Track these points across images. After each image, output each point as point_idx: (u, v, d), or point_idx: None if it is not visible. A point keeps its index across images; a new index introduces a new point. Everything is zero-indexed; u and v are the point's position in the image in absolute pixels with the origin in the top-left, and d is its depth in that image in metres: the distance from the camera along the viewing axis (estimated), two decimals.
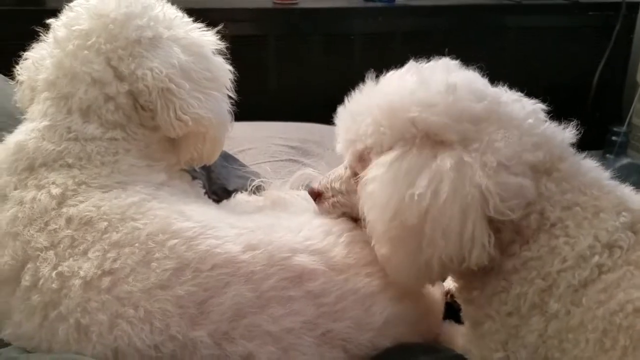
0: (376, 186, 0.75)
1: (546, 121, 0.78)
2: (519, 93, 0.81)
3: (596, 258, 0.70)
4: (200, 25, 0.98)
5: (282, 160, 1.61)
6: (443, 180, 0.70)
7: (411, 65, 0.84)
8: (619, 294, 0.67)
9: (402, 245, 0.74)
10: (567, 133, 0.78)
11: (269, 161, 1.59)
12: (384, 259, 0.78)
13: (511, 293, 0.74)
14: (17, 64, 0.98)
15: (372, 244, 0.79)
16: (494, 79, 0.83)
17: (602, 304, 0.67)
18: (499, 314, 0.75)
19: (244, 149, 1.62)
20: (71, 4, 0.93)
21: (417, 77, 0.79)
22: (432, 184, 0.71)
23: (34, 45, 0.97)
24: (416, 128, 0.74)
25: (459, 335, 0.87)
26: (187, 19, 0.97)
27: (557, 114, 0.81)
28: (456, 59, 0.85)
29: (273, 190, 1.22)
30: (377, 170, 0.76)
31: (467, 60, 0.86)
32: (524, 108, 0.78)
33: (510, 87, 0.84)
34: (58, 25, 0.91)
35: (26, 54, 0.96)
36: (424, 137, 0.74)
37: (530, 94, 0.82)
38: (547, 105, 0.81)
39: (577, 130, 0.80)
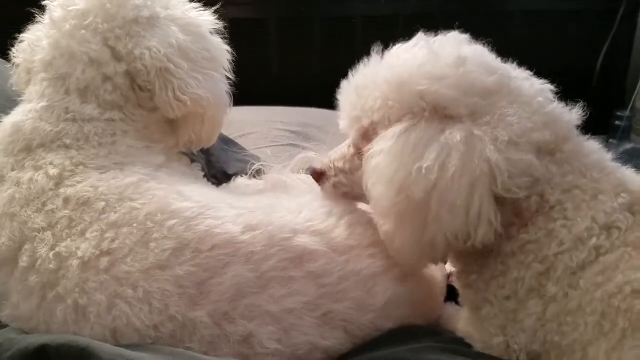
0: (382, 159, 0.74)
1: (554, 101, 0.77)
2: (528, 71, 0.80)
3: (594, 240, 0.69)
4: (197, 5, 0.96)
5: (283, 145, 1.60)
6: (452, 153, 0.69)
7: (419, 39, 0.82)
8: (617, 276, 0.66)
9: (407, 221, 0.72)
10: (573, 114, 0.77)
11: (270, 146, 1.58)
12: (387, 236, 0.76)
13: (509, 277, 0.73)
14: (13, 46, 0.97)
15: (375, 221, 0.78)
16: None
17: (600, 286, 0.67)
18: (497, 299, 0.75)
19: (245, 133, 1.61)
20: None
21: (426, 50, 0.78)
22: (440, 157, 0.69)
23: (30, 27, 0.95)
24: (425, 101, 0.73)
25: (460, 318, 0.86)
26: None
27: (560, 98, 0.80)
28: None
29: (274, 174, 1.21)
30: (383, 143, 0.74)
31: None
32: (533, 86, 0.77)
33: None
34: (54, 5, 0.89)
35: (22, 36, 0.95)
36: (432, 111, 0.73)
37: (535, 76, 0.81)
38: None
39: (581, 114, 0.79)
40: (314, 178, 0.93)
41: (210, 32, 0.94)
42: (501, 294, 0.74)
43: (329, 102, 1.82)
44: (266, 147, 1.58)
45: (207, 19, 0.95)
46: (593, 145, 0.78)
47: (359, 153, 0.84)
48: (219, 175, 1.24)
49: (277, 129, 1.68)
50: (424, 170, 0.69)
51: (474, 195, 0.69)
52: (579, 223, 0.70)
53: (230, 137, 1.42)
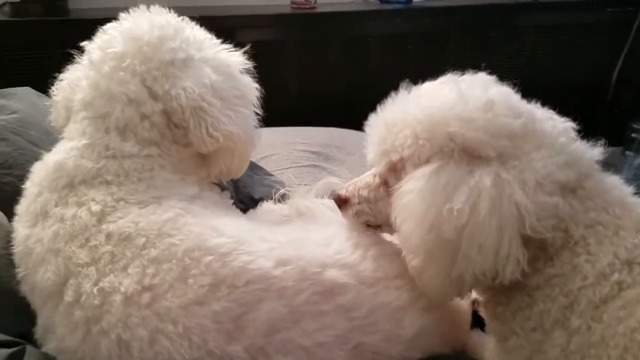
0: (412, 198, 0.76)
1: (576, 140, 0.79)
2: (551, 111, 0.83)
3: (616, 275, 0.71)
4: (228, 46, 1.01)
5: (304, 166, 1.63)
6: (481, 196, 0.72)
7: (448, 78, 0.85)
8: (638, 310, 0.68)
9: (436, 258, 0.75)
10: (594, 151, 0.80)
11: (292, 167, 1.61)
12: (415, 271, 0.79)
13: (535, 309, 0.75)
14: (52, 85, 1.00)
15: (403, 255, 0.80)
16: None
17: (622, 320, 0.69)
18: (524, 330, 0.77)
19: (267, 155, 1.65)
20: (104, 27, 0.95)
21: (455, 92, 0.80)
22: (470, 200, 0.72)
23: (69, 67, 1.00)
24: (454, 142, 0.76)
25: (486, 348, 0.88)
26: (216, 41, 1.00)
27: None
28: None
29: (297, 198, 1.24)
30: (414, 183, 0.77)
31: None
32: (556, 127, 0.79)
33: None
34: (93, 47, 0.94)
35: (61, 75, 0.99)
36: (461, 152, 0.75)
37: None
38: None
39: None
40: (337, 204, 0.96)
41: (240, 71, 0.99)
42: (527, 326, 0.76)
43: (347, 120, 1.84)
44: (288, 168, 1.61)
45: (237, 59, 0.99)
46: (614, 181, 0.80)
47: (384, 184, 0.87)
48: (245, 200, 1.28)
49: (297, 150, 1.71)
50: (455, 212, 0.72)
51: (503, 237, 0.71)
52: (601, 258, 0.72)
53: (253, 159, 1.45)
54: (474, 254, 0.72)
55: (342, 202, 0.95)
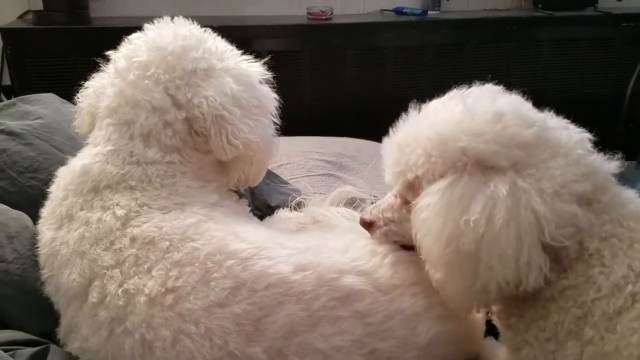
0: (430, 213, 0.77)
1: (593, 152, 0.80)
2: (566, 120, 0.83)
3: (630, 287, 0.72)
4: (248, 56, 1.03)
5: (319, 175, 1.64)
6: (497, 205, 0.72)
7: (454, 94, 0.86)
8: None
9: (457, 270, 0.76)
10: (612, 164, 0.80)
11: (307, 176, 1.63)
12: (439, 284, 0.79)
13: (549, 320, 0.76)
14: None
15: (426, 270, 0.80)
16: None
17: (636, 331, 0.69)
18: (537, 340, 0.77)
19: (283, 163, 1.67)
20: (130, 37, 0.99)
21: (462, 106, 0.81)
22: (486, 210, 0.73)
23: (93, 74, 1.03)
24: (467, 156, 0.76)
25: (498, 355, 0.89)
26: (237, 51, 1.02)
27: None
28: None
29: (313, 206, 1.26)
30: (430, 198, 0.78)
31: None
32: (571, 137, 0.79)
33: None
34: (118, 57, 0.97)
35: (86, 83, 1.02)
36: (474, 164, 0.76)
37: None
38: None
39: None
40: (364, 227, 0.96)
41: (260, 82, 1.01)
42: (541, 336, 0.77)
43: (362, 130, 1.86)
44: (303, 177, 1.63)
45: (257, 70, 1.02)
46: (629, 195, 0.81)
47: (405, 203, 0.88)
48: (262, 207, 1.30)
49: (313, 159, 1.73)
50: (471, 223, 0.73)
51: (522, 245, 0.72)
52: (615, 270, 0.73)
53: (269, 167, 1.47)
54: (495, 263, 0.72)
55: (367, 226, 0.95)
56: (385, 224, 0.92)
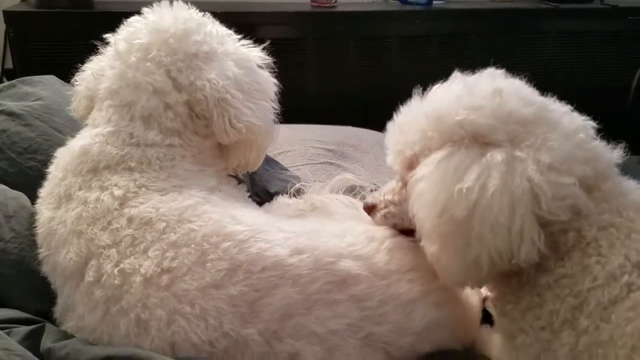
0: (425, 183, 0.77)
1: (596, 138, 0.79)
2: (569, 106, 0.82)
3: (626, 277, 0.71)
4: (247, 41, 1.03)
5: (320, 163, 1.64)
6: (492, 173, 0.72)
7: (455, 76, 0.86)
8: None
9: (451, 241, 0.75)
10: (614, 153, 0.79)
11: (308, 164, 1.63)
12: (433, 257, 0.79)
13: (545, 308, 0.76)
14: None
15: (421, 243, 0.80)
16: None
17: (630, 321, 0.69)
18: (533, 328, 0.77)
19: (283, 151, 1.66)
20: (129, 20, 0.98)
21: (462, 85, 0.82)
22: (480, 178, 0.72)
23: (92, 57, 1.03)
24: (464, 130, 0.76)
25: (494, 345, 0.89)
26: (236, 36, 1.02)
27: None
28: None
29: (312, 193, 1.26)
30: (425, 169, 0.78)
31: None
32: (574, 121, 0.79)
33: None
34: (119, 39, 0.96)
35: (84, 66, 1.02)
36: (472, 139, 0.76)
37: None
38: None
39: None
40: (366, 211, 0.97)
41: (259, 66, 1.01)
42: (537, 325, 0.76)
43: (364, 119, 1.85)
44: (303, 164, 1.63)
45: (256, 54, 1.02)
46: (631, 185, 0.80)
47: (406, 185, 0.87)
48: (261, 193, 1.30)
49: (314, 147, 1.73)
50: (464, 190, 0.72)
51: (515, 214, 0.71)
52: (612, 260, 0.72)
53: (270, 154, 1.47)
54: (487, 232, 0.72)
55: (370, 209, 0.96)
56: (386, 206, 0.93)
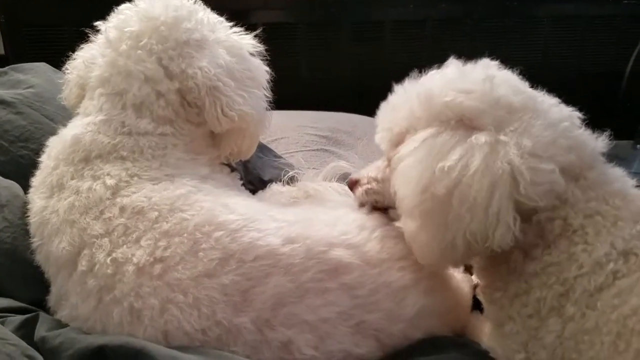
0: (408, 161, 0.78)
1: (581, 127, 0.80)
2: (557, 99, 0.83)
3: (611, 265, 0.72)
4: (238, 28, 1.03)
5: (314, 150, 1.64)
6: (475, 154, 0.73)
7: (451, 61, 0.87)
8: (632, 299, 0.70)
9: (430, 220, 0.76)
10: (599, 142, 0.80)
11: (301, 151, 1.63)
12: (410, 236, 0.80)
13: (532, 296, 0.77)
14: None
15: (399, 222, 0.81)
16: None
17: (615, 308, 0.70)
18: (520, 316, 0.78)
19: (277, 138, 1.66)
20: (119, 8, 0.98)
21: (456, 70, 0.83)
22: (463, 158, 0.73)
23: (83, 45, 1.02)
24: (451, 111, 0.77)
25: (483, 332, 0.90)
26: (227, 23, 1.02)
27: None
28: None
29: (306, 181, 1.27)
30: (409, 146, 0.79)
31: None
32: (561, 111, 0.80)
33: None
34: (109, 27, 0.96)
35: (75, 54, 1.01)
36: (459, 121, 0.77)
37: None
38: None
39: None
40: (349, 186, 0.98)
41: (251, 54, 1.01)
42: (524, 312, 0.78)
43: (358, 105, 1.85)
44: (297, 151, 1.63)
45: (248, 42, 1.02)
46: (617, 173, 0.81)
47: (390, 163, 0.88)
48: (254, 181, 1.30)
49: (307, 133, 1.72)
50: (446, 168, 0.73)
51: (494, 195, 0.72)
52: (598, 248, 0.74)
53: (263, 141, 1.47)
54: (464, 212, 0.73)
55: (353, 184, 0.97)
56: (368, 182, 0.94)
